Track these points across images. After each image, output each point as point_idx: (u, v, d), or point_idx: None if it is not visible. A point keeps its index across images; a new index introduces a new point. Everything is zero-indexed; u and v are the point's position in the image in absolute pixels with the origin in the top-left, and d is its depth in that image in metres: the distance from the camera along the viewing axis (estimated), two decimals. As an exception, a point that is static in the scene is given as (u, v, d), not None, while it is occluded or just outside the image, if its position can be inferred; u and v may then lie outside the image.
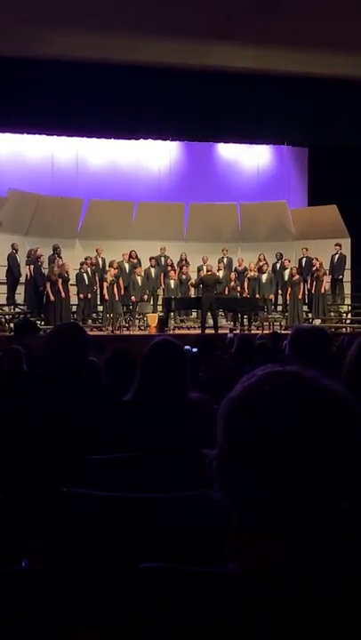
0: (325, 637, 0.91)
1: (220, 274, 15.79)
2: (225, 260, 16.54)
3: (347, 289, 16.41)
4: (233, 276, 16.05)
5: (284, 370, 1.01)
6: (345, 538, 0.98)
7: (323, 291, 15.56)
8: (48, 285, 14.44)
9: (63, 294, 14.46)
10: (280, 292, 16.20)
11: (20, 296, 15.23)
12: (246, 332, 14.07)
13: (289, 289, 15.63)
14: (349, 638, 0.91)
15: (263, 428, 0.94)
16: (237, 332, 13.40)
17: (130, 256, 15.89)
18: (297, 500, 0.92)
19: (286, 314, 15.81)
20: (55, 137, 15.97)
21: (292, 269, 15.76)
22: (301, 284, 15.56)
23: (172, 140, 16.50)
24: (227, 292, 15.78)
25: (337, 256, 16.04)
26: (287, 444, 0.92)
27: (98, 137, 16.09)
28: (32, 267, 14.94)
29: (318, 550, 0.95)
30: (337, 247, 16.03)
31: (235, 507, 0.98)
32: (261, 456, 0.93)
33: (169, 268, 16.10)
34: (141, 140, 16.21)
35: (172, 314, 15.21)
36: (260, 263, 16.10)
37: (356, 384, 1.82)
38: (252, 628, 0.92)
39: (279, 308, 16.48)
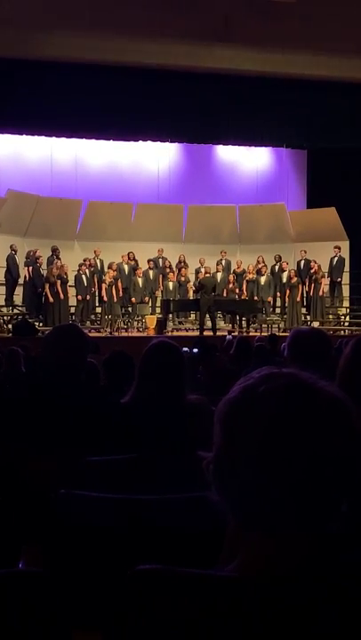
0: None
1: (219, 276, 15.78)
2: (223, 262, 16.50)
3: (345, 291, 16.42)
4: (231, 278, 16.04)
5: (280, 371, 1.01)
6: (343, 540, 0.97)
7: (321, 293, 15.56)
8: (47, 287, 14.41)
9: (62, 296, 14.42)
10: (278, 294, 16.20)
11: (18, 297, 15.23)
12: (244, 334, 14.06)
13: (287, 291, 15.62)
14: None
15: (260, 429, 0.94)
16: (236, 334, 13.40)
17: (128, 257, 15.91)
18: (294, 502, 0.92)
19: (285, 316, 15.80)
20: (54, 138, 15.95)
21: (290, 272, 15.76)
22: (300, 286, 15.54)
23: (171, 141, 16.50)
24: (225, 294, 15.75)
25: (336, 258, 16.05)
26: (284, 445, 0.92)
27: (97, 138, 16.12)
28: (31, 268, 14.93)
29: (325, 553, 0.95)
30: (336, 250, 16.04)
31: (232, 509, 0.98)
32: (258, 458, 0.93)
33: (167, 270, 16.10)
34: (140, 141, 16.23)
35: (170, 316, 15.20)
36: (259, 265, 16.10)
37: (350, 385, 1.82)
38: (252, 632, 0.91)
39: (278, 311, 16.47)
